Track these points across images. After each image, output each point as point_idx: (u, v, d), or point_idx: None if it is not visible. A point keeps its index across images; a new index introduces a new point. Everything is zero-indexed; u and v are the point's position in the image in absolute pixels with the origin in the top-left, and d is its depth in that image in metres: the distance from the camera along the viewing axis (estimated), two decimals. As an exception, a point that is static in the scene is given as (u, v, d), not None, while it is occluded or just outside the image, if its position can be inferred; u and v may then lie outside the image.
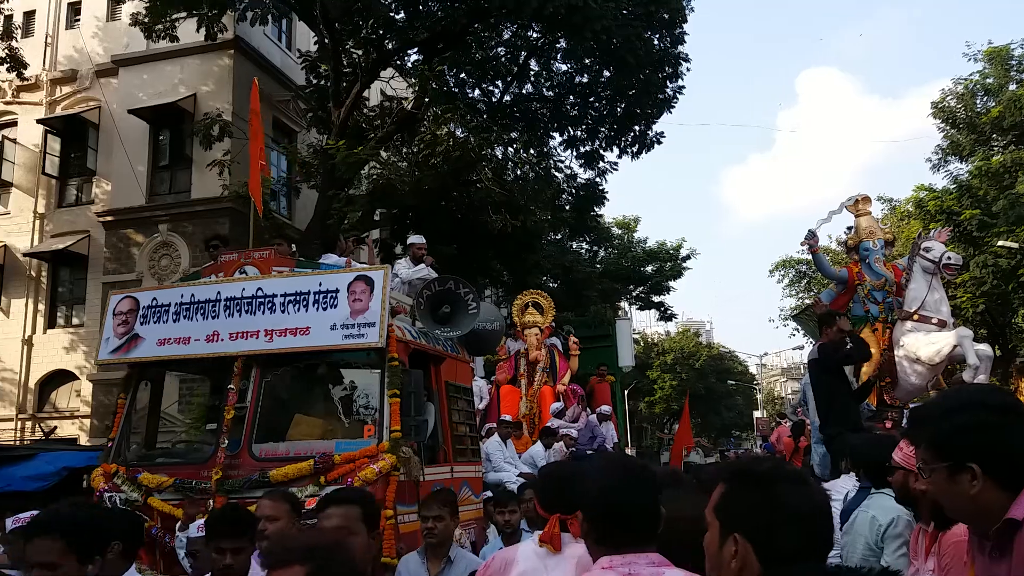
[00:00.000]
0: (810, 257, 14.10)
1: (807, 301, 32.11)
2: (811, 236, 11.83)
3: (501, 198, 18.38)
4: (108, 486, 7.02)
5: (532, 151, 21.61)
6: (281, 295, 7.08)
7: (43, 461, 12.35)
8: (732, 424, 65.07)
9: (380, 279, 6.98)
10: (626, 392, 32.97)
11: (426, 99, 19.32)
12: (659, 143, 22.91)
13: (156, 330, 7.35)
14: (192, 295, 7.33)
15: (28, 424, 22.22)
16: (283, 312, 7.04)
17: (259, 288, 7.17)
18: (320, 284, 7.06)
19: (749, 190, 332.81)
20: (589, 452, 12.31)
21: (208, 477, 6.58)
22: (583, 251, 33.40)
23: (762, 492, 1.92)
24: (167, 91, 21.83)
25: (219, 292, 7.26)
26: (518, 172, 20.84)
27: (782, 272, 40.15)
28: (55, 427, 20.12)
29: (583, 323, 20.76)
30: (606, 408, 14.47)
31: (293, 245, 9.53)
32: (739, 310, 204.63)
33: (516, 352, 13.88)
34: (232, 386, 6.95)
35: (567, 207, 24.85)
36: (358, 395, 7.81)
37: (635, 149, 22.98)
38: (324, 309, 6.96)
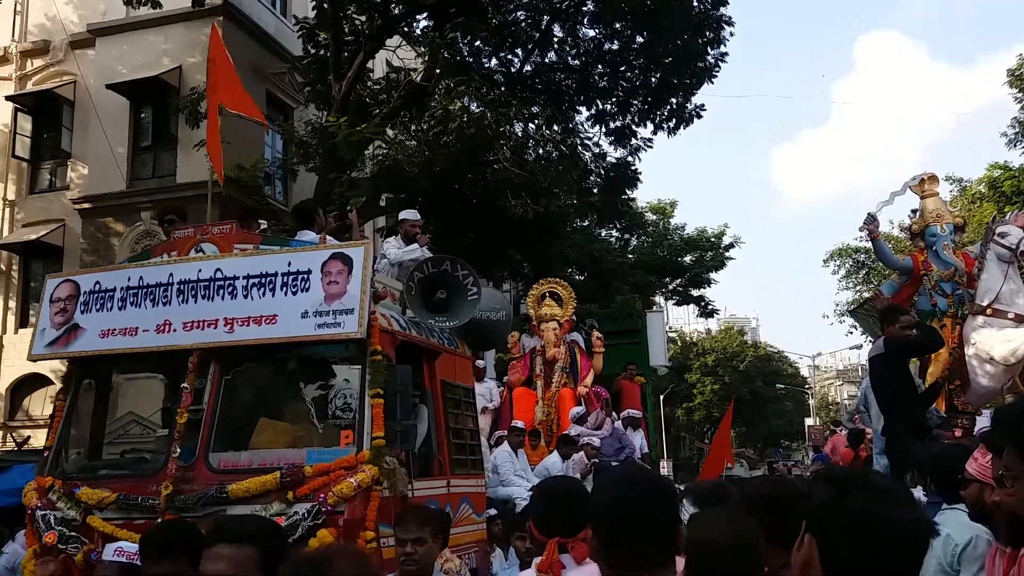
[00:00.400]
0: (870, 244, 14.02)
1: (866, 294, 31.60)
2: (871, 221, 11.84)
3: (521, 180, 18.39)
4: (42, 503, 6.59)
5: (556, 127, 21.35)
6: (244, 277, 6.61)
7: (17, 474, 12.23)
8: (781, 433, 64.96)
9: (360, 257, 6.48)
10: (661, 397, 32.62)
11: (437, 70, 19.22)
12: (699, 117, 22.65)
13: (99, 319, 6.91)
14: (140, 278, 6.87)
15: (-1, 434, 22.04)
16: (246, 297, 6.57)
17: (218, 269, 6.71)
18: (289, 264, 6.58)
19: (801, 170, 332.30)
20: (615, 464, 11.81)
21: (157, 492, 6.15)
22: (613, 239, 33.36)
23: (832, 495, 1.97)
24: (149, 63, 21.60)
25: (171, 274, 6.80)
26: (540, 151, 20.76)
27: (838, 262, 39.87)
28: (28, 437, 20.04)
29: (608, 316, 20.48)
30: (635, 412, 14.05)
31: (263, 221, 9.12)
32: (789, 305, 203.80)
33: (531, 349, 13.57)
34: (186, 385, 6.50)
35: (595, 190, 24.52)
36: (334, 395, 7.35)
37: (672, 124, 22.66)
38: (294, 293, 6.50)
